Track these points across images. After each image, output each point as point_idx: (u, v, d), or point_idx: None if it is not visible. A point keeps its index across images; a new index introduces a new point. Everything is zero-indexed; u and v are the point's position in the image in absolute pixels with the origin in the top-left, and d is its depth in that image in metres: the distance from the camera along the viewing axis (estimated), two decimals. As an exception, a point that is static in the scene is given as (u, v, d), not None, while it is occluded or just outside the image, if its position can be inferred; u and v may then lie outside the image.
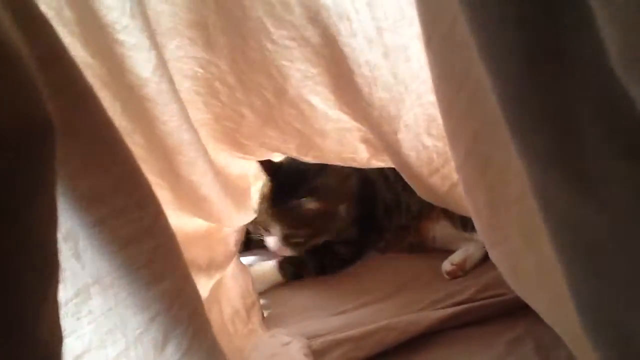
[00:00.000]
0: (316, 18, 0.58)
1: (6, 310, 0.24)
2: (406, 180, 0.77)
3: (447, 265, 1.08)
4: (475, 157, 0.50)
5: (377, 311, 0.99)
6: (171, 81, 0.59)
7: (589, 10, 0.24)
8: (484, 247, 1.02)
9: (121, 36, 0.53)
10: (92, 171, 0.39)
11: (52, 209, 0.28)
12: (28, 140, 0.25)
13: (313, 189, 1.16)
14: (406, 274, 1.13)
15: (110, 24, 0.52)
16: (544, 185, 0.34)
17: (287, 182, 1.16)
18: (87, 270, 0.39)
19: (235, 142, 0.77)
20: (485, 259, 1.09)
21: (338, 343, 0.87)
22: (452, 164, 0.61)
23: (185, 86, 0.66)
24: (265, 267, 1.17)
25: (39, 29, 0.36)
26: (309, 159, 0.80)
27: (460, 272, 1.07)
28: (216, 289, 0.88)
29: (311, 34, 0.60)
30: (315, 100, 0.68)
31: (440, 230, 1.18)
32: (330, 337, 0.89)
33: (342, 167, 0.92)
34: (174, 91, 0.59)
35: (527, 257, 0.52)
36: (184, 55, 0.65)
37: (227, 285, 0.95)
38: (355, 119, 0.71)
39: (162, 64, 0.57)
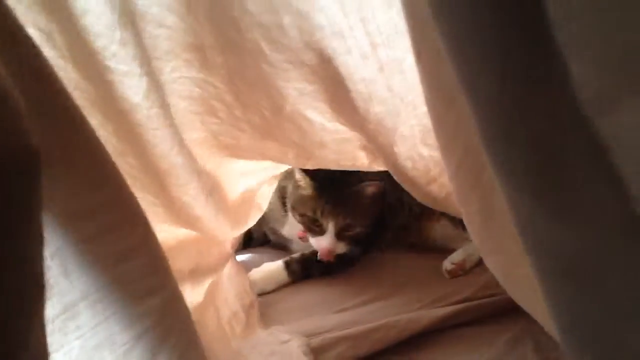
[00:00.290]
0: (312, 40, 0.58)
1: None
2: (405, 188, 0.77)
3: (447, 264, 1.08)
4: (466, 170, 0.50)
5: (376, 309, 0.99)
6: (163, 106, 0.60)
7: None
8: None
9: (111, 63, 0.54)
10: (80, 190, 0.40)
11: (38, 232, 0.29)
12: (13, 170, 0.26)
13: (363, 175, 1.15)
14: (406, 272, 1.14)
15: (100, 50, 0.53)
16: (522, 210, 0.33)
17: (334, 175, 1.14)
18: (75, 287, 0.39)
19: (235, 154, 0.78)
20: (484, 258, 1.08)
21: (337, 341, 0.87)
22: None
23: (181, 106, 0.67)
24: (272, 267, 1.16)
25: (24, 52, 0.36)
26: (308, 166, 0.80)
27: (461, 271, 1.07)
28: (212, 291, 0.88)
29: (307, 56, 0.60)
30: (313, 114, 0.68)
31: (441, 229, 1.18)
32: (329, 335, 0.89)
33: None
34: (166, 116, 0.60)
35: (521, 266, 0.52)
36: (180, 77, 0.65)
37: (224, 287, 0.95)
38: (353, 130, 0.71)
39: (154, 89, 0.58)
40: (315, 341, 0.88)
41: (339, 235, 1.15)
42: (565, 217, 0.30)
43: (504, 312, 0.90)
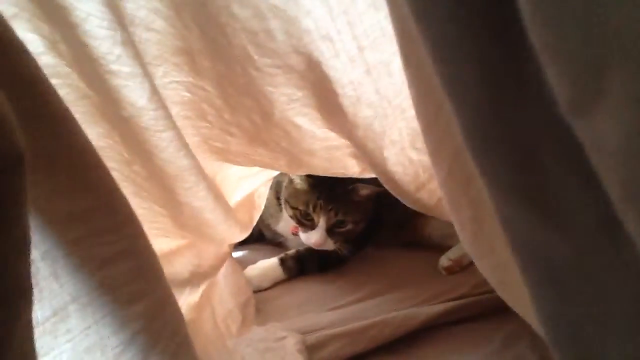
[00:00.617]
0: (299, 44, 0.58)
1: None
2: (394, 195, 0.76)
3: (444, 261, 1.08)
4: (457, 174, 0.50)
5: (372, 306, 0.99)
6: (166, 108, 0.60)
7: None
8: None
9: (115, 66, 0.54)
10: (69, 193, 0.40)
11: (24, 235, 0.29)
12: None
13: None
14: (402, 269, 1.14)
15: (103, 55, 0.53)
16: (506, 212, 0.34)
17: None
18: (65, 290, 0.39)
19: (227, 159, 0.78)
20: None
21: (333, 338, 0.87)
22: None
23: (174, 112, 0.67)
24: (267, 264, 1.17)
25: (17, 54, 0.36)
26: (301, 173, 0.80)
27: (457, 268, 1.07)
28: (208, 291, 0.88)
29: (295, 61, 0.60)
30: (302, 121, 0.68)
31: (437, 225, 1.18)
32: (325, 332, 0.89)
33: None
34: (170, 118, 0.60)
35: (513, 270, 0.52)
36: (170, 82, 0.65)
37: (219, 285, 0.95)
38: (343, 137, 0.71)
39: (155, 91, 0.58)
40: (311, 338, 0.88)
41: (330, 232, 1.15)
42: (546, 219, 0.31)
43: (501, 309, 0.89)
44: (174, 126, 0.60)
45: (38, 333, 0.37)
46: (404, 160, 0.68)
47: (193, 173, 0.64)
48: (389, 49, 0.59)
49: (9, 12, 0.51)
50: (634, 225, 0.24)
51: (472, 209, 0.51)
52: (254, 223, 1.00)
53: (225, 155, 0.77)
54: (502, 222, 0.35)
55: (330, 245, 1.16)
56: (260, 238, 1.38)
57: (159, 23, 0.59)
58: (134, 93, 0.55)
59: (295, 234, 1.23)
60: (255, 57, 0.60)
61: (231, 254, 1.03)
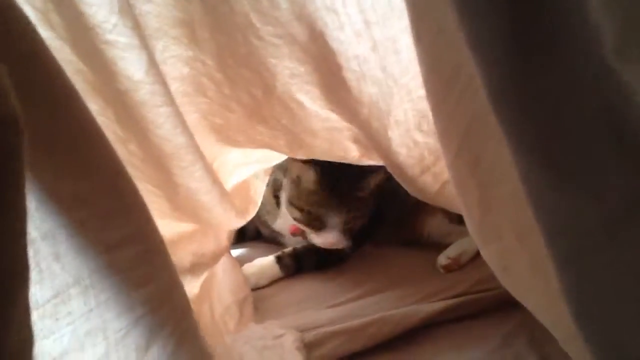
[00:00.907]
0: (302, 13, 0.57)
1: None
2: (397, 179, 0.76)
3: (442, 259, 1.08)
4: (466, 154, 0.49)
5: (371, 304, 0.98)
6: (164, 83, 0.58)
7: None
8: (479, 241, 1.01)
9: (112, 36, 0.52)
10: (75, 172, 0.39)
11: (21, 208, 0.27)
12: None
13: (365, 167, 1.14)
14: (401, 267, 1.13)
15: (99, 24, 0.51)
16: (532, 179, 0.33)
17: (336, 168, 1.09)
18: (66, 271, 0.38)
19: (227, 138, 0.76)
20: (480, 253, 1.08)
21: (331, 336, 0.87)
22: (444, 161, 0.60)
23: (172, 88, 0.65)
24: (264, 262, 1.15)
25: (20, 30, 0.35)
26: (300, 156, 0.79)
27: (456, 266, 1.07)
28: (207, 285, 0.87)
29: (298, 30, 0.59)
30: (304, 98, 0.67)
31: (436, 224, 1.18)
32: (323, 330, 0.88)
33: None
34: (168, 94, 0.58)
35: (520, 256, 0.51)
36: (169, 56, 0.64)
37: (218, 281, 0.94)
38: (345, 118, 0.70)
39: (154, 64, 0.56)
40: (309, 336, 0.87)
41: (344, 229, 1.13)
42: (574, 185, 0.30)
43: (499, 307, 0.90)
44: (172, 102, 0.59)
45: (38, 315, 0.36)
46: (409, 142, 0.67)
47: (190, 152, 0.62)
48: (397, 25, 0.58)
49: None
50: None
51: (480, 190, 0.50)
52: (250, 215, 0.98)
53: (225, 133, 0.75)
54: (528, 191, 0.34)
55: (344, 244, 1.13)
56: (257, 236, 1.38)
57: None
58: (130, 65, 0.53)
59: (296, 235, 1.21)
60: (258, 25, 0.59)
61: (229, 248, 1.02)
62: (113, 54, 0.53)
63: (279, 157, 0.96)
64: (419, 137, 0.67)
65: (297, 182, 1.14)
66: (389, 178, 1.13)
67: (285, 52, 0.62)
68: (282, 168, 1.20)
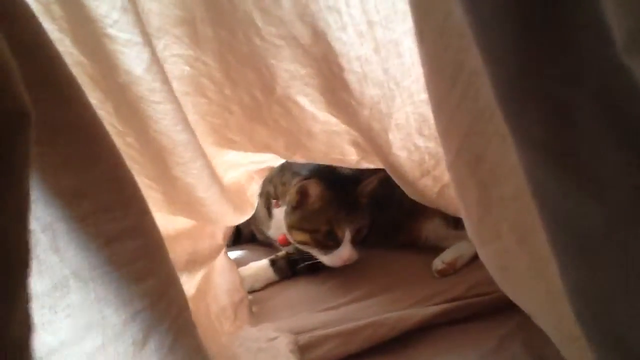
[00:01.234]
0: (305, 12, 0.57)
1: None
2: (396, 181, 0.76)
3: (438, 264, 1.07)
4: (466, 154, 0.49)
5: (365, 307, 0.97)
6: (166, 81, 0.58)
7: None
8: (475, 246, 1.01)
9: (112, 31, 0.52)
10: (75, 166, 0.39)
11: (24, 203, 0.27)
12: (3, 130, 0.24)
13: (359, 174, 1.12)
14: (396, 271, 1.12)
15: (100, 18, 0.51)
16: (538, 175, 0.33)
17: (336, 180, 1.12)
18: (66, 264, 0.38)
19: (225, 138, 0.76)
20: (475, 257, 1.08)
21: (326, 338, 0.86)
22: (444, 165, 0.60)
23: (173, 87, 0.65)
24: (259, 265, 1.15)
25: (23, 21, 0.35)
26: (297, 158, 0.78)
27: (451, 271, 1.07)
28: (203, 286, 0.87)
29: (300, 31, 0.59)
30: (304, 100, 0.67)
31: (432, 228, 1.17)
32: (317, 333, 0.87)
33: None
34: (169, 91, 0.58)
35: (519, 257, 0.52)
36: (170, 55, 0.64)
37: (215, 282, 0.94)
38: (345, 121, 0.70)
39: (156, 61, 0.56)
40: (304, 338, 0.87)
41: (355, 240, 1.11)
42: (579, 182, 0.30)
43: (494, 311, 0.90)
44: (173, 100, 0.58)
45: (36, 306, 0.36)
46: (410, 146, 0.67)
47: (189, 149, 0.62)
48: (400, 27, 0.58)
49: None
50: None
51: (479, 190, 0.50)
52: (248, 214, 0.97)
53: (223, 134, 0.75)
54: (533, 187, 0.34)
55: (355, 257, 1.10)
56: (253, 239, 1.38)
57: None
58: (130, 61, 0.53)
59: (284, 245, 1.21)
60: (260, 24, 0.59)
61: (224, 248, 1.02)
62: (113, 48, 0.53)
63: (273, 160, 0.95)
64: (420, 142, 0.67)
65: (300, 204, 1.11)
66: (381, 183, 1.14)
67: (287, 54, 0.62)
68: (272, 182, 1.21)
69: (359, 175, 1.14)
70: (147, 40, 0.55)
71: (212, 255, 0.91)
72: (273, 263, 1.15)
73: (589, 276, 0.33)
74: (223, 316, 0.90)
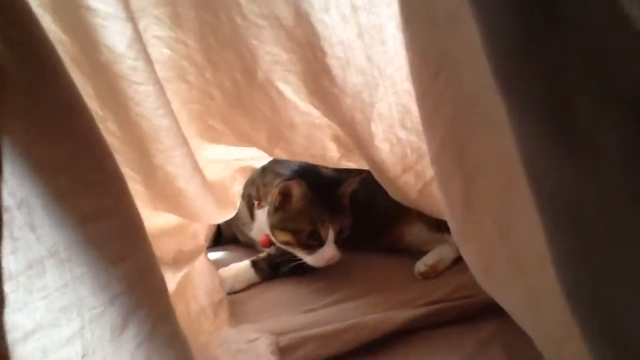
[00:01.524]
0: None
1: None
2: (377, 179, 0.75)
3: (420, 266, 1.08)
4: (451, 146, 0.49)
5: (347, 310, 0.97)
6: (149, 61, 0.56)
7: None
8: (457, 249, 1.02)
9: (94, 3, 0.50)
10: (52, 137, 0.37)
11: None
12: None
13: (341, 175, 1.14)
14: (378, 273, 1.12)
15: None
16: (532, 148, 0.32)
17: (318, 181, 1.12)
18: (42, 243, 0.36)
19: (206, 125, 0.75)
20: (457, 260, 1.08)
21: (306, 340, 0.85)
22: (427, 160, 0.60)
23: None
24: (240, 266, 1.14)
25: None
26: (277, 151, 0.77)
27: (433, 274, 1.07)
28: (183, 285, 0.86)
29: (283, 12, 0.58)
30: (285, 87, 0.66)
31: (415, 232, 1.17)
32: (298, 335, 0.87)
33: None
34: (151, 72, 0.56)
35: (500, 252, 0.51)
36: (150, 37, 0.62)
37: (194, 282, 0.92)
38: (326, 113, 0.69)
39: (138, 39, 0.54)
40: (284, 340, 0.86)
41: (338, 240, 1.11)
42: (574, 154, 0.29)
43: (476, 314, 0.90)
44: (155, 82, 0.57)
45: (11, 287, 0.34)
46: (392, 138, 0.67)
47: (170, 136, 0.60)
48: (385, 12, 0.57)
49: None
50: None
51: (464, 184, 0.50)
52: (230, 213, 0.96)
53: (205, 120, 0.73)
54: (526, 164, 0.33)
55: (339, 257, 1.10)
56: (234, 240, 1.37)
57: None
58: (113, 36, 0.52)
59: (266, 246, 1.20)
60: (243, 2, 0.58)
61: (205, 249, 1.01)
62: (95, 22, 0.51)
63: (256, 159, 0.94)
64: (402, 134, 0.67)
65: (283, 204, 1.11)
66: (363, 186, 1.14)
67: (269, 34, 0.60)
68: (254, 183, 1.20)
69: (341, 177, 1.14)
70: (130, 16, 0.53)
71: (194, 255, 0.90)
72: (254, 264, 1.14)
73: (581, 257, 0.32)
74: (203, 315, 0.89)
